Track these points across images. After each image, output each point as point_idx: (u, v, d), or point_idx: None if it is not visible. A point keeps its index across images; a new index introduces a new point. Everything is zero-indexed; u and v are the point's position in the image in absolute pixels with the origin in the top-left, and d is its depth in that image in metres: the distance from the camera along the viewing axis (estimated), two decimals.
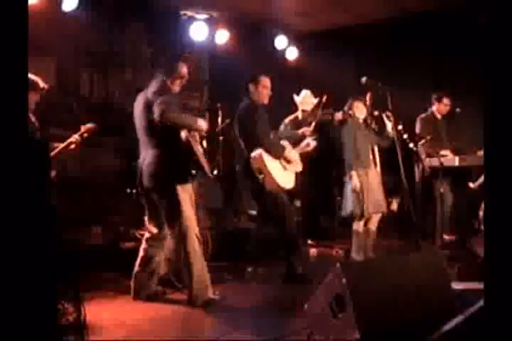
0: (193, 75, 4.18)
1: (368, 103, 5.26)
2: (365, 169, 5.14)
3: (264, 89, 4.71)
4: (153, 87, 3.87)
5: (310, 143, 4.99)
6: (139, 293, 4.01)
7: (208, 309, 3.78)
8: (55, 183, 3.93)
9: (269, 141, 4.66)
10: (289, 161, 4.74)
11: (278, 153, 4.67)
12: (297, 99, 6.20)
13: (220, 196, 5.97)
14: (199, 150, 3.94)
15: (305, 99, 6.13)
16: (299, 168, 4.92)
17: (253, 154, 4.54)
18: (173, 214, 3.83)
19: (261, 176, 4.50)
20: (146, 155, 3.88)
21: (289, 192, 4.74)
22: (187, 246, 3.81)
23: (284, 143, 4.87)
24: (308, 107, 6.06)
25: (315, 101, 6.00)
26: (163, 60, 4.66)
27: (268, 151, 4.56)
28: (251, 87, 4.70)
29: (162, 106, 3.65)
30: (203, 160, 3.93)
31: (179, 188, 3.82)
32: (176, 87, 4.03)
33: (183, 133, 3.79)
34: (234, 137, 4.93)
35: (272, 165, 4.56)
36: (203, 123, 3.97)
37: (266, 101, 4.75)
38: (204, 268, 3.87)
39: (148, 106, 3.80)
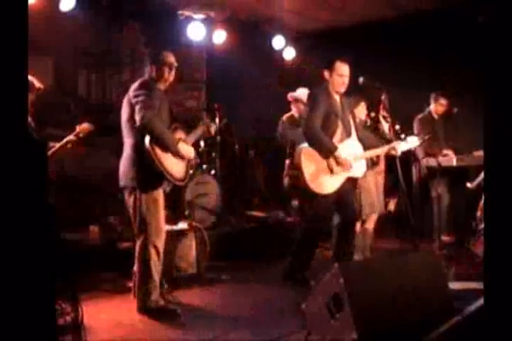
0: (190, 75, 4.14)
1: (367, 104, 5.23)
2: None
3: (337, 77, 4.23)
4: (135, 84, 3.72)
5: (396, 147, 4.49)
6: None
7: (206, 309, 3.79)
8: (54, 182, 3.93)
9: (318, 137, 4.14)
10: (339, 164, 4.23)
11: (325, 154, 4.19)
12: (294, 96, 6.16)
13: (220, 196, 5.95)
14: (165, 159, 3.62)
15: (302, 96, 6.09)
16: (356, 173, 4.40)
17: (297, 149, 4.23)
18: (135, 219, 3.71)
19: (295, 173, 4.19)
20: (124, 154, 3.75)
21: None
22: (142, 255, 3.69)
23: (355, 143, 4.41)
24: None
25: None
26: (150, 52, 4.42)
27: (314, 149, 4.17)
28: (326, 73, 4.26)
29: (143, 112, 3.46)
30: (171, 170, 3.65)
31: (143, 195, 3.65)
32: (167, 78, 3.78)
33: (147, 140, 3.52)
34: None
35: (311, 166, 4.17)
36: (188, 152, 3.78)
37: (339, 90, 4.29)
38: (153, 280, 3.69)
39: (128, 105, 3.66)
